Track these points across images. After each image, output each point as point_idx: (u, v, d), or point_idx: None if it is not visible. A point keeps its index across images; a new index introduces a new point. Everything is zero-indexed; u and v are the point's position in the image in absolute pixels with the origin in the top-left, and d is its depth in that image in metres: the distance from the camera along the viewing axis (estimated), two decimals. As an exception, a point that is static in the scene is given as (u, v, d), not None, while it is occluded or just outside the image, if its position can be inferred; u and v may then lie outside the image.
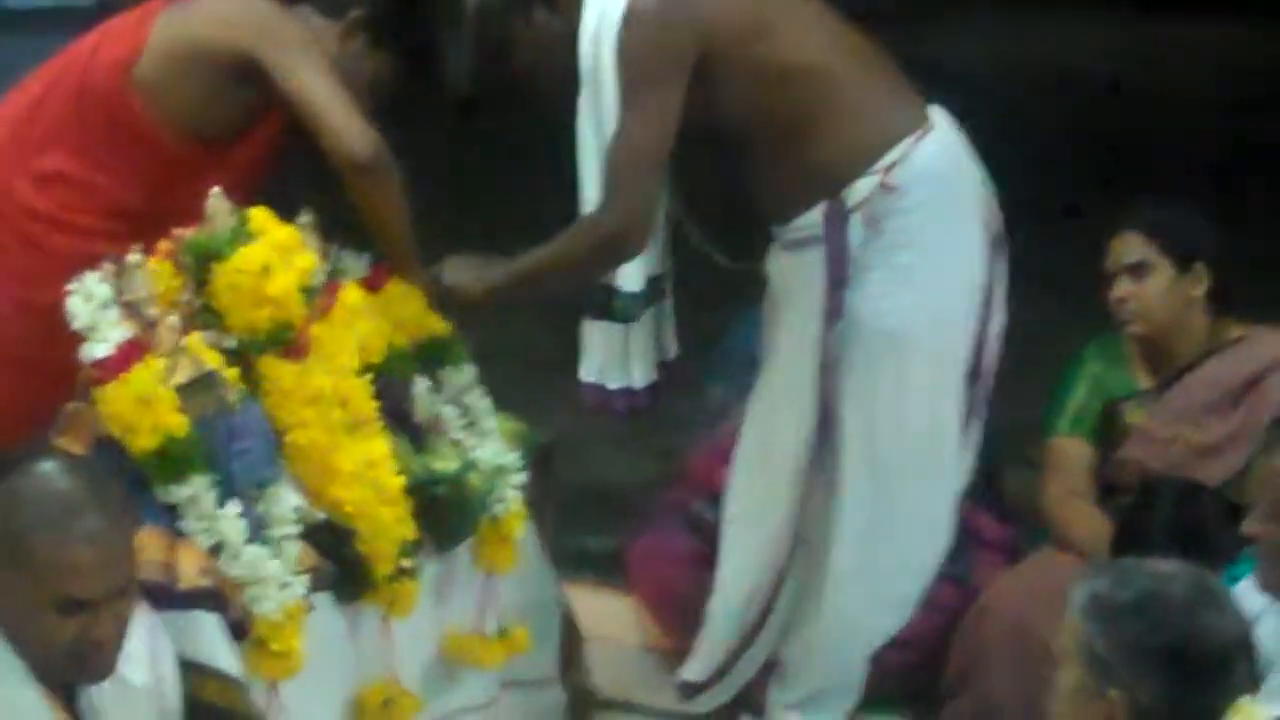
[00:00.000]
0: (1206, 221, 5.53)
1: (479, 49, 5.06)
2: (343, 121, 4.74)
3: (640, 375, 5.15)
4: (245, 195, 4.82)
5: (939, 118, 4.94)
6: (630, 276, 5.01)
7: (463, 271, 4.99)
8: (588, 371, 5.14)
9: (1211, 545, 4.69)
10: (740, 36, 4.82)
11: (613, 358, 5.12)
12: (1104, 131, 12.64)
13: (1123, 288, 5.40)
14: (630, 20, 4.76)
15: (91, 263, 4.53)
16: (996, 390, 5.96)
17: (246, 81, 4.83)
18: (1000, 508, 5.86)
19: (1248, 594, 3.97)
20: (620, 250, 4.89)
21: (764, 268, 5.01)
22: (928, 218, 4.84)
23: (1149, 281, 5.39)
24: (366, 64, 4.97)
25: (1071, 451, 5.57)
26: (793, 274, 4.92)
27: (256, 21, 4.84)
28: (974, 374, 5.03)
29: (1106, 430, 5.56)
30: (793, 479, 4.95)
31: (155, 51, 4.86)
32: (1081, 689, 3.55)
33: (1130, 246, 5.41)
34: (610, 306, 5.05)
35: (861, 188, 4.80)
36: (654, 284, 5.09)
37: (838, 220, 4.80)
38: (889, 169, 4.80)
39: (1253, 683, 3.55)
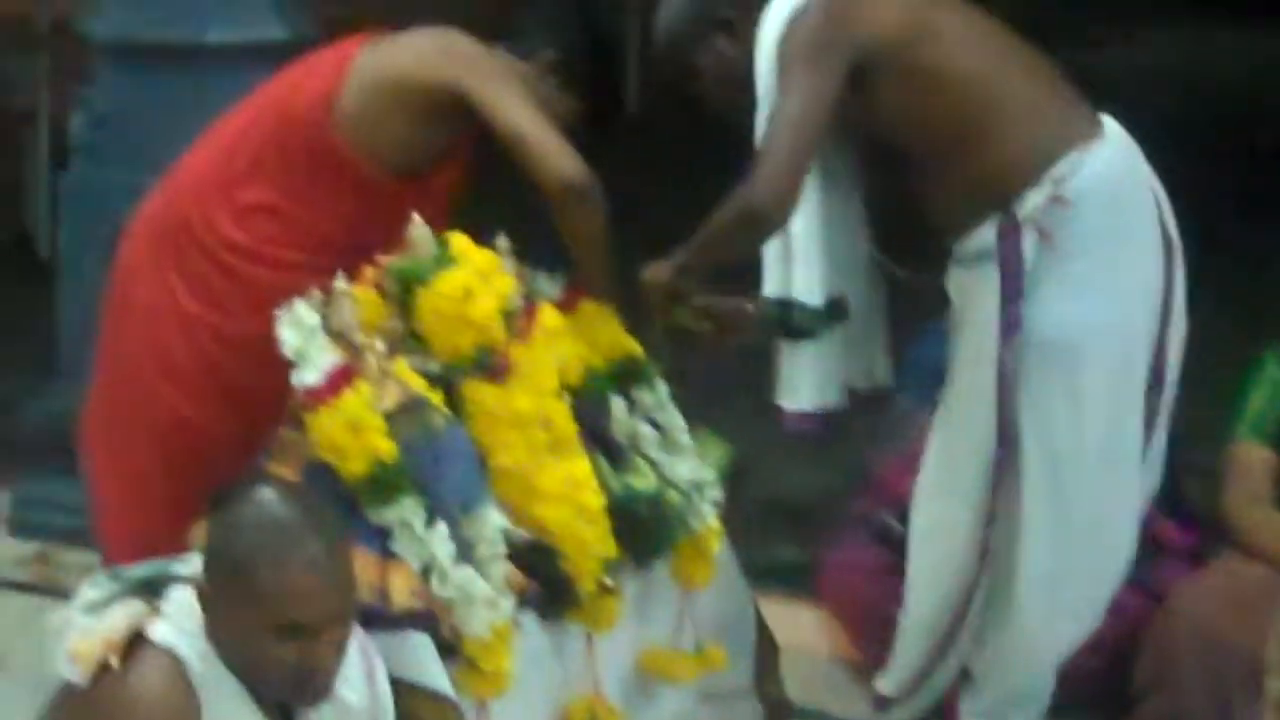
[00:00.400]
0: None
1: (667, 76, 5.08)
2: (554, 149, 4.76)
3: (829, 396, 5.11)
4: (439, 226, 4.86)
5: (1110, 127, 4.86)
6: (808, 290, 4.98)
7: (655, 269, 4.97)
8: (784, 397, 5.10)
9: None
10: (900, 38, 4.77)
11: (808, 379, 5.08)
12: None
13: None
14: (792, 20, 4.77)
15: (290, 295, 4.57)
16: (1177, 397, 6.00)
17: (450, 114, 4.85)
18: (1184, 514, 5.83)
19: None
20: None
21: (945, 284, 4.96)
22: (1101, 228, 4.75)
23: None
24: (558, 102, 4.98)
25: (1254, 457, 5.54)
26: (969, 290, 4.86)
27: (463, 55, 4.88)
28: (1155, 383, 4.93)
29: (1292, 437, 5.53)
30: (976, 493, 4.88)
31: (358, 86, 4.89)
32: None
33: None
34: (789, 319, 5.00)
35: (1032, 200, 4.71)
36: (835, 303, 5.03)
37: (1010, 234, 4.73)
38: (1060, 180, 4.71)
39: None
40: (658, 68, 5.10)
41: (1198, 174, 11.28)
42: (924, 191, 4.91)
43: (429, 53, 4.92)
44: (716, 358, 5.23)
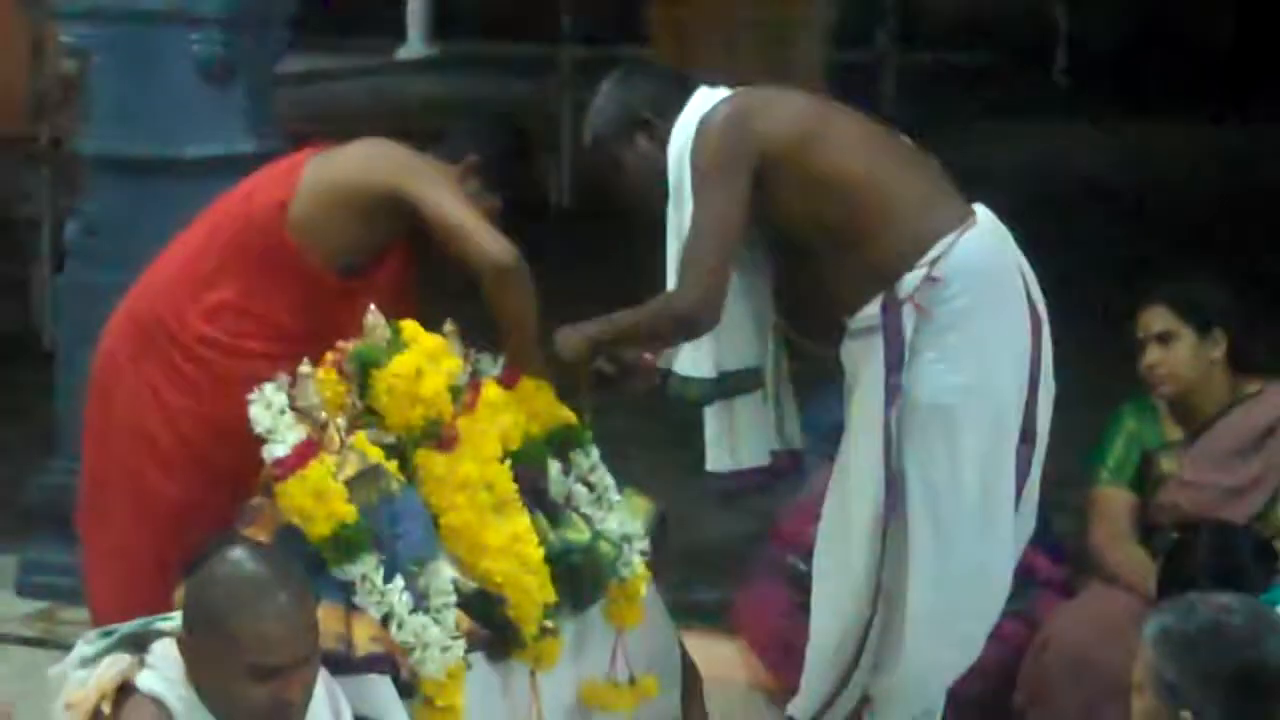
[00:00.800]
0: (1223, 290, 5.53)
1: (591, 170, 5.12)
2: (483, 236, 4.78)
3: (748, 457, 5.15)
4: (390, 315, 4.85)
5: (981, 213, 4.90)
6: (692, 363, 5.01)
7: (568, 333, 5.00)
8: (712, 462, 5.16)
9: (1246, 577, 4.67)
10: (792, 147, 4.84)
11: (722, 443, 5.13)
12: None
13: (1152, 355, 5.40)
14: (700, 132, 4.83)
15: (257, 380, 4.57)
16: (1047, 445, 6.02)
17: (389, 213, 4.87)
18: (1055, 549, 5.81)
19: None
20: (692, 325, 4.89)
21: (837, 355, 4.98)
22: (972, 303, 4.79)
23: (1174, 347, 5.40)
24: (480, 200, 4.98)
25: (1115, 498, 5.55)
26: (858, 359, 4.89)
27: (399, 161, 4.91)
28: (1026, 440, 4.94)
29: (1144, 478, 5.53)
30: (868, 537, 4.88)
31: (308, 191, 4.90)
32: (1155, 714, 3.54)
33: (1156, 317, 5.42)
34: (674, 388, 5.07)
35: (910, 280, 4.75)
36: (732, 376, 5.07)
37: (892, 310, 4.77)
38: (934, 262, 4.75)
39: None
40: (589, 161, 5.14)
41: (1070, 247, 11.40)
42: (820, 275, 4.94)
43: (369, 159, 4.95)
44: (623, 398, 5.19)
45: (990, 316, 4.83)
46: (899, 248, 4.78)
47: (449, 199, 4.83)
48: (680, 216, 4.92)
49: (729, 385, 5.07)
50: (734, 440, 5.13)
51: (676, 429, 5.27)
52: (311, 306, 4.92)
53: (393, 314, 4.80)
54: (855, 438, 4.90)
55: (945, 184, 4.95)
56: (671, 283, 4.95)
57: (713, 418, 5.12)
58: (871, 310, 4.79)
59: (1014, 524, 4.98)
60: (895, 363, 4.74)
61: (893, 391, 4.74)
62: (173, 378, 4.91)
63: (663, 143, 4.95)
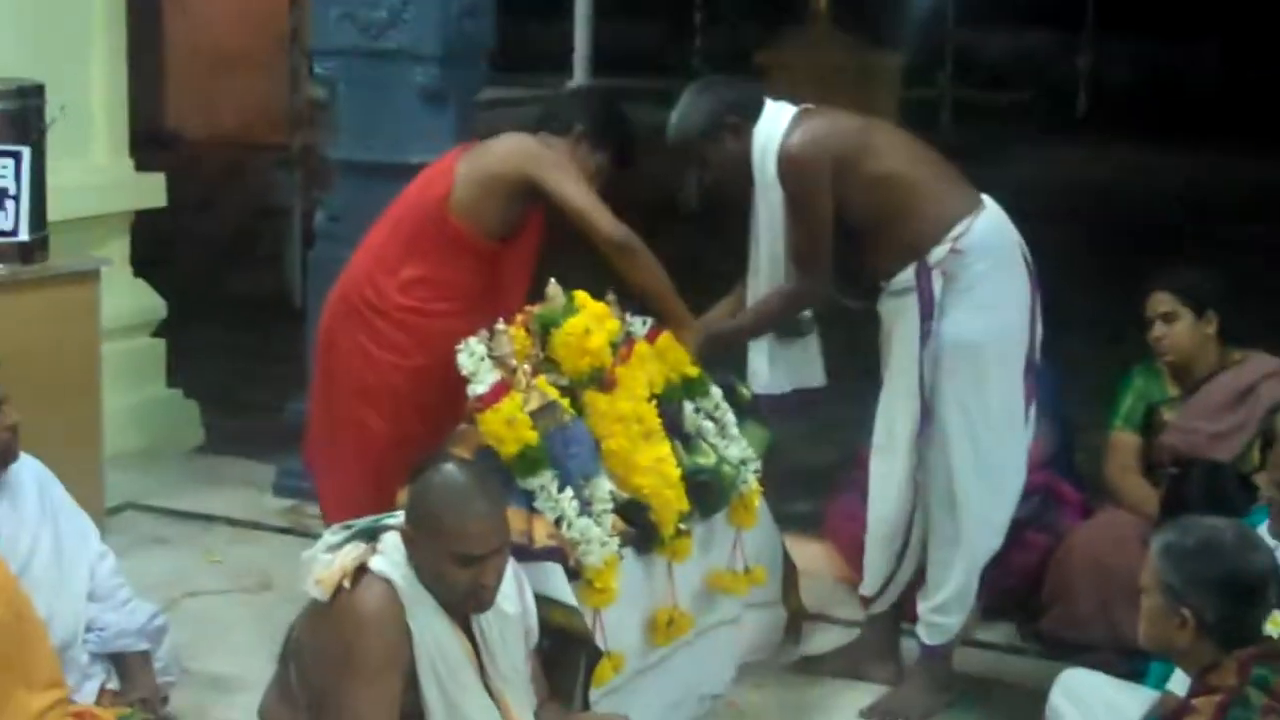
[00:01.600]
0: (1216, 279, 5.49)
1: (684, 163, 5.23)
2: (601, 217, 4.77)
3: (800, 381, 5.26)
4: (529, 270, 5.02)
5: (989, 202, 4.99)
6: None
7: (713, 326, 5.10)
8: (757, 385, 5.22)
9: (1231, 504, 4.62)
10: (851, 156, 4.92)
11: (777, 373, 5.22)
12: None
13: (1158, 330, 5.39)
14: (785, 160, 4.90)
15: (445, 335, 4.66)
16: (1070, 400, 5.97)
17: (524, 195, 4.83)
18: (1076, 479, 5.82)
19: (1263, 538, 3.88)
20: (812, 301, 5.11)
21: (877, 309, 5.04)
22: (987, 269, 4.89)
23: (1176, 325, 5.37)
24: (591, 160, 4.96)
25: (1126, 441, 5.55)
26: (896, 313, 4.96)
27: (529, 153, 4.86)
28: (1029, 368, 5.01)
29: (1149, 425, 5.53)
30: (908, 448, 4.97)
31: (462, 183, 4.87)
32: (1162, 611, 3.53)
33: (1161, 301, 5.40)
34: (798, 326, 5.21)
35: (939, 253, 4.87)
36: (805, 322, 5.24)
37: (924, 275, 4.87)
38: (957, 238, 4.87)
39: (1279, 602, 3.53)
40: (674, 155, 5.16)
41: (1085, 240, 11.28)
42: (867, 248, 5.00)
43: (507, 154, 4.90)
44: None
45: (1001, 279, 4.94)
46: (928, 228, 4.89)
47: (571, 184, 4.80)
48: (768, 206, 5.00)
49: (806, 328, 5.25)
50: (787, 369, 5.23)
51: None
52: (478, 269, 4.91)
53: (531, 266, 4.98)
54: (896, 373, 4.99)
55: (962, 180, 5.03)
56: (761, 254, 5.07)
57: (761, 354, 5.21)
58: (907, 275, 4.90)
59: (1025, 433, 5.06)
60: (928, 314, 4.87)
61: (925, 337, 4.87)
62: (379, 340, 4.91)
63: (746, 142, 4.98)
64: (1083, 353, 6.23)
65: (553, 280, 4.71)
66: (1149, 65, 20.80)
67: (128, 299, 7.04)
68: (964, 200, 4.95)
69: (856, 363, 5.31)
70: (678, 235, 5.16)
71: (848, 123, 5.04)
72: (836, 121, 5.03)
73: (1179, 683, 4.01)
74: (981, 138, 15.98)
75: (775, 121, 4.97)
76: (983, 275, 4.88)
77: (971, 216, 4.91)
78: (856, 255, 5.00)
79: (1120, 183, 15.87)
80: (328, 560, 3.75)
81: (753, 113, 4.99)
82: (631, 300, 4.93)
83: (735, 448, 4.93)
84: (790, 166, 4.90)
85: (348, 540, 3.80)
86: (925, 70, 18.88)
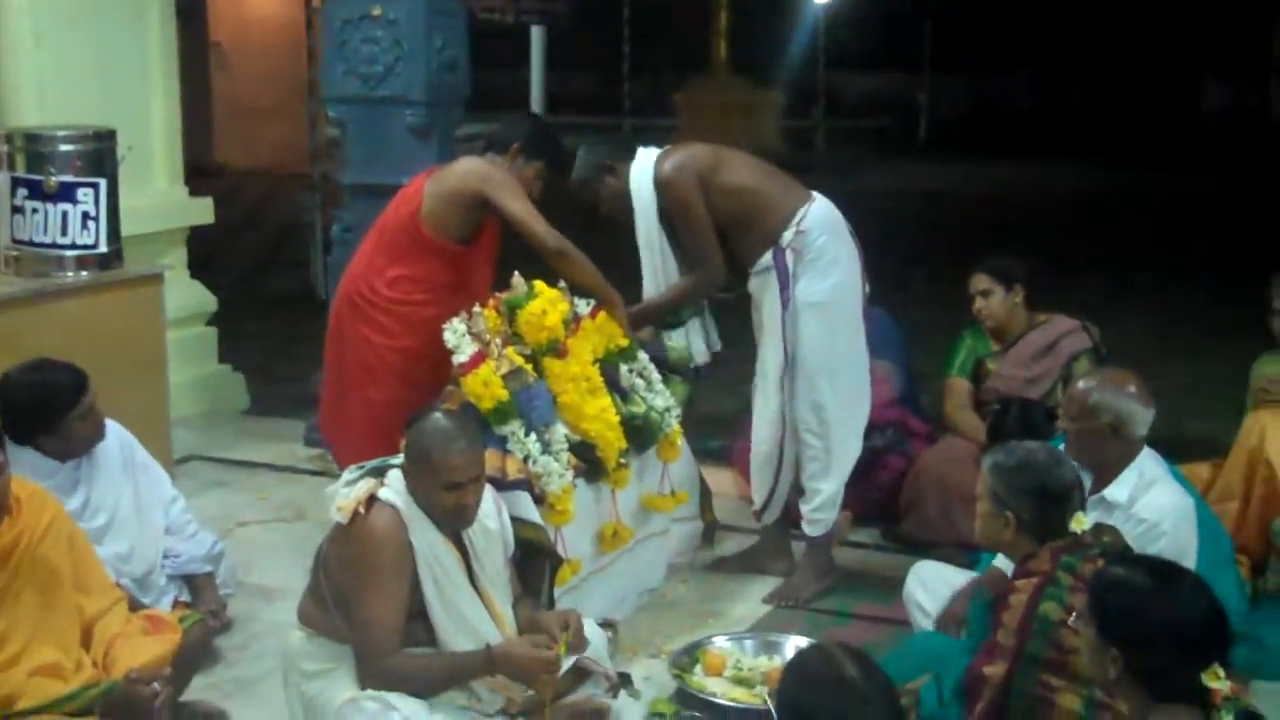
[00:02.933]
0: (1020, 262, 5.51)
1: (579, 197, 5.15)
2: (538, 226, 4.71)
3: (700, 356, 5.24)
4: (491, 266, 4.97)
5: (818, 195, 4.98)
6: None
7: (634, 309, 5.04)
8: (700, 360, 5.22)
9: (1040, 432, 4.65)
10: (710, 175, 4.92)
11: (702, 346, 5.22)
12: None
13: (979, 303, 5.46)
14: (664, 184, 4.94)
15: (425, 321, 4.67)
16: (918, 356, 6.01)
17: (480, 207, 4.77)
18: (923, 416, 5.84)
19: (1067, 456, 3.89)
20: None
21: (748, 289, 5.02)
22: (825, 243, 4.89)
23: (992, 299, 5.41)
24: (529, 169, 4.89)
25: (959, 385, 5.58)
26: (762, 288, 4.95)
27: (483, 175, 4.77)
28: (864, 314, 5.03)
29: (977, 374, 5.55)
30: (777, 389, 4.95)
31: (429, 200, 4.81)
32: (992, 514, 3.54)
33: (979, 280, 5.44)
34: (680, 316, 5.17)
35: (787, 235, 4.87)
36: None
37: (779, 255, 4.87)
38: (800, 222, 4.87)
39: (1082, 505, 3.54)
40: (574, 195, 5.15)
41: (924, 232, 11.33)
42: (735, 245, 4.99)
43: (464, 175, 4.82)
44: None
45: (836, 250, 4.94)
46: (777, 220, 4.90)
47: (514, 200, 4.74)
48: (645, 224, 5.01)
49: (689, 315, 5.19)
50: (705, 343, 5.22)
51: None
52: (446, 267, 4.85)
53: (492, 264, 4.93)
54: (765, 332, 4.99)
55: (795, 182, 5.03)
56: (646, 265, 5.06)
57: (697, 337, 5.21)
58: (766, 258, 4.90)
59: (867, 365, 5.09)
60: (784, 284, 4.87)
61: (785, 302, 4.86)
62: (375, 327, 4.86)
63: (624, 180, 5.01)
64: (924, 319, 6.24)
65: (516, 273, 4.68)
66: (974, 95, 20.96)
67: (186, 296, 6.99)
68: (800, 195, 4.96)
69: (751, 335, 5.29)
70: (610, 234, 5.14)
71: (701, 150, 5.03)
72: (693, 150, 5.03)
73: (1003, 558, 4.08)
74: (848, 158, 16.06)
75: (645, 161, 5.00)
76: (822, 248, 4.88)
77: (807, 205, 4.92)
78: (728, 253, 5.00)
79: (953, 190, 16.00)
80: (346, 493, 3.72)
81: (625, 157, 5.04)
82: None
83: (661, 399, 4.91)
84: (669, 189, 4.92)
85: (361, 477, 3.77)
86: (803, 105, 18.91)
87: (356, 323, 4.90)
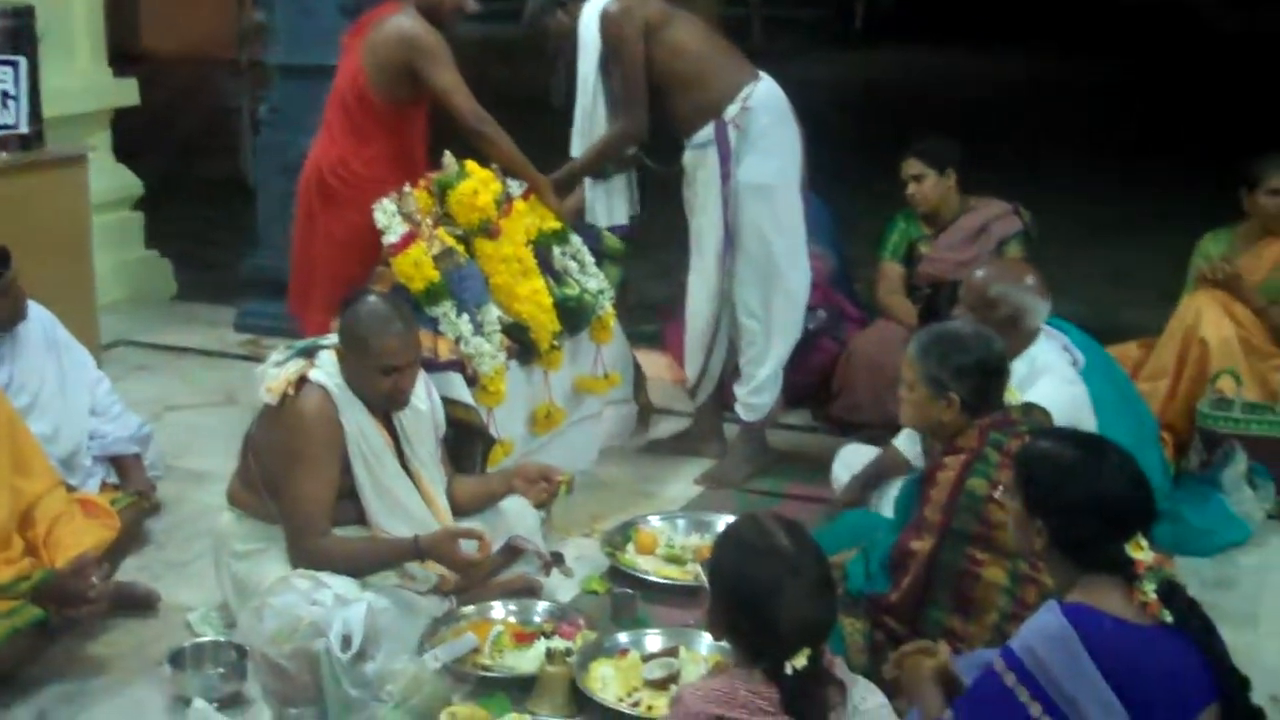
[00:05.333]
0: (952, 144, 5.45)
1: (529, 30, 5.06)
2: (462, 100, 4.64)
3: (618, 216, 5.15)
4: (427, 133, 4.86)
5: (764, 76, 4.90)
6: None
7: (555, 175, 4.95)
8: (589, 217, 5.10)
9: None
10: (657, 25, 4.80)
11: (601, 210, 5.11)
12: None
13: (911, 188, 5.37)
14: (605, 18, 4.80)
15: (369, 199, 4.53)
16: (851, 242, 5.99)
17: (413, 74, 4.66)
18: (856, 300, 5.82)
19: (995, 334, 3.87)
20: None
21: (679, 165, 4.95)
22: (770, 123, 4.82)
23: (924, 183, 5.36)
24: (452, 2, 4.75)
25: (892, 269, 5.50)
26: (699, 162, 4.86)
27: (410, 44, 4.64)
28: (803, 198, 4.99)
29: (909, 258, 5.49)
30: (715, 268, 4.91)
31: (368, 62, 4.70)
32: (930, 397, 3.50)
33: (912, 165, 5.37)
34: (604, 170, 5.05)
35: (732, 110, 4.78)
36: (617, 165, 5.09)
37: (722, 130, 4.78)
38: (746, 98, 4.79)
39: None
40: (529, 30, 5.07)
41: (856, 119, 11.30)
42: (673, 112, 4.89)
43: (396, 44, 4.66)
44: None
45: (781, 132, 4.88)
46: (722, 92, 4.81)
47: (441, 69, 4.63)
48: (586, 63, 4.91)
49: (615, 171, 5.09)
50: (603, 207, 5.10)
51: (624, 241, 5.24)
52: (390, 136, 4.76)
53: (425, 140, 4.83)
54: (701, 210, 4.93)
55: (743, 58, 4.96)
56: (579, 109, 4.96)
57: (598, 198, 5.09)
58: (706, 131, 4.81)
59: (805, 248, 5.07)
60: (726, 159, 4.79)
61: (725, 179, 4.80)
62: (328, 203, 4.78)
63: (576, 17, 4.90)
64: (859, 206, 6.22)
65: (448, 153, 4.60)
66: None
67: (111, 180, 6.86)
68: (748, 72, 4.88)
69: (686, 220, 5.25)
70: (548, 124, 5.06)
71: (655, 1, 4.91)
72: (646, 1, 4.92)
73: (904, 438, 4.13)
74: (786, 47, 15.93)
75: (598, 2, 4.87)
76: (767, 128, 4.81)
77: (755, 82, 4.84)
78: (664, 120, 4.90)
79: (888, 79, 15.95)
80: (275, 373, 3.69)
81: None
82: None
83: (594, 281, 4.87)
84: (609, 23, 4.80)
85: (290, 358, 3.74)
86: (740, -7, 18.70)
87: (328, 204, 4.80)
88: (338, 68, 4.90)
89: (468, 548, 3.65)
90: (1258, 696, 2.65)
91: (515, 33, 5.11)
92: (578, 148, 4.99)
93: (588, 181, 5.06)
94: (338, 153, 4.80)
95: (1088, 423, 3.90)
